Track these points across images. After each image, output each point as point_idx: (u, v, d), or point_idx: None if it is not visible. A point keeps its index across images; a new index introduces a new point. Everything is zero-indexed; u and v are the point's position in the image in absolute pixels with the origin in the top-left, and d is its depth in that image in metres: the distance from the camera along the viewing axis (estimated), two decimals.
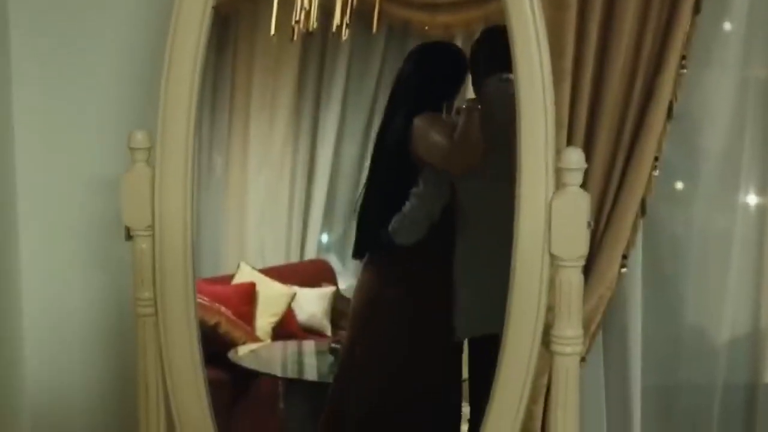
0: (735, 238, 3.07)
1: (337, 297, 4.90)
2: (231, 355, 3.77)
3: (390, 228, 2.92)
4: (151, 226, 1.96)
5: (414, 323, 2.92)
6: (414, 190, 2.87)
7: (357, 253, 3.25)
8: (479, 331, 2.61)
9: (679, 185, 3.09)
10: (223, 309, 4.12)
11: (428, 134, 2.87)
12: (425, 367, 2.90)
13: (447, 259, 2.75)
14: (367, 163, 5.24)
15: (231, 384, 3.79)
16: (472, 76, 2.80)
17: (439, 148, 2.81)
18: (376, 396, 3.01)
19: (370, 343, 3.06)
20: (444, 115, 2.89)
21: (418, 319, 2.89)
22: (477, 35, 2.84)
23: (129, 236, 2.00)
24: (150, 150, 1.96)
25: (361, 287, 3.16)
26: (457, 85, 2.93)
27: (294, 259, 5.33)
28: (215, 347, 3.69)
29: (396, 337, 2.98)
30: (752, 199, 3.10)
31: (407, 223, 2.89)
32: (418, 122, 2.87)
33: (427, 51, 3.19)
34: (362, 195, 3.27)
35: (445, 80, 3.00)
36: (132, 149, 1.97)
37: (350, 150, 5.49)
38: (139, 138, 1.96)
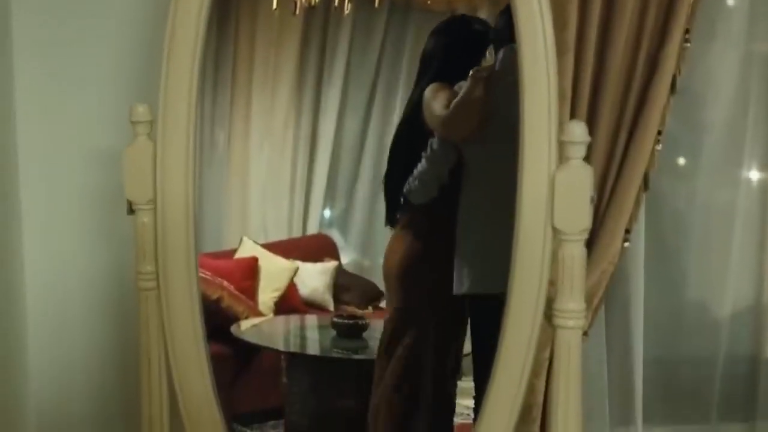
0: (737, 212, 3.07)
1: (339, 271, 4.91)
2: (233, 329, 3.79)
3: (405, 189, 3.10)
4: (153, 200, 1.96)
5: (431, 282, 3.02)
6: (424, 153, 3.04)
7: (389, 221, 3.32)
8: (481, 288, 2.73)
9: (682, 160, 3.09)
10: (225, 283, 4.13)
11: (431, 104, 3.01)
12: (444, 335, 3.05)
13: (455, 218, 2.88)
14: (370, 137, 5.26)
15: (233, 358, 3.81)
16: (494, 45, 2.91)
17: (436, 116, 2.96)
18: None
19: (403, 306, 3.18)
20: (456, 85, 2.96)
21: (435, 278, 2.98)
22: (503, 7, 2.69)
23: (131, 210, 1.99)
24: (152, 123, 1.95)
25: (390, 251, 3.27)
26: (477, 57, 3.07)
27: (296, 233, 5.34)
28: (218, 322, 3.70)
29: (419, 298, 3.10)
30: (755, 174, 3.09)
31: (418, 184, 3.06)
32: (426, 92, 3.05)
33: (448, 26, 3.32)
34: (388, 165, 3.40)
35: (466, 53, 3.14)
36: (134, 123, 1.96)
37: (352, 124, 5.49)
38: (141, 111, 1.95)
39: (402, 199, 3.17)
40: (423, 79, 3.20)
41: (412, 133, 3.22)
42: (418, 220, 3.11)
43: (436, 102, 2.97)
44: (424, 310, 3.08)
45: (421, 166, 3.06)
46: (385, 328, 3.21)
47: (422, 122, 3.04)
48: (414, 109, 3.17)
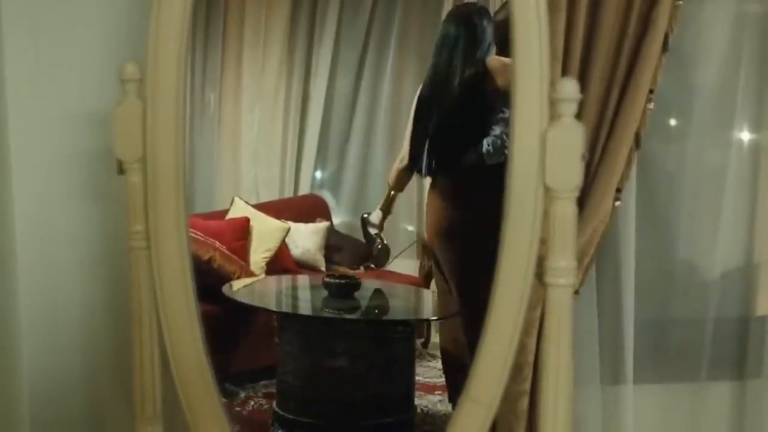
0: (728, 173, 3.07)
1: (331, 232, 4.93)
2: (225, 289, 3.80)
3: (484, 150, 3.47)
4: (143, 159, 1.95)
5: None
6: (500, 115, 3.44)
7: (430, 172, 3.63)
8: None
9: (673, 121, 3.08)
10: (217, 244, 4.14)
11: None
12: None
13: None
14: (361, 97, 5.26)
15: (225, 318, 3.82)
16: None
17: None
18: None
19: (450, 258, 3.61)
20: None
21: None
22: None
23: (122, 170, 1.98)
24: (141, 82, 1.94)
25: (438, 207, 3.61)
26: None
27: (288, 194, 5.36)
28: (210, 281, 3.72)
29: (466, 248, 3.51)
30: (746, 135, 3.09)
31: (500, 144, 3.42)
32: (495, 63, 3.52)
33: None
34: (437, 126, 3.64)
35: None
36: (123, 81, 1.94)
37: (343, 85, 5.49)
38: (131, 70, 1.94)
39: (467, 158, 3.53)
40: (458, 57, 3.60)
41: (473, 103, 3.56)
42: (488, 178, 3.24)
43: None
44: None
45: (501, 128, 3.43)
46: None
47: (487, 91, 3.47)
48: (476, 79, 3.53)
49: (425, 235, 3.75)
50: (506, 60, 3.25)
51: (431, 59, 3.78)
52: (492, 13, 3.74)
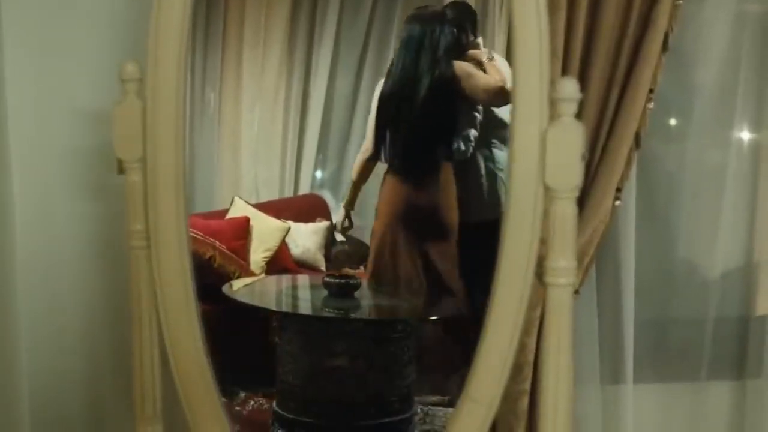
0: (728, 173, 3.08)
1: (331, 232, 4.91)
2: (225, 289, 3.79)
3: (454, 147, 3.77)
4: (143, 159, 1.95)
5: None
6: (475, 117, 3.77)
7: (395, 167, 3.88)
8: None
9: (673, 120, 3.09)
10: (217, 243, 4.13)
11: (476, 77, 3.74)
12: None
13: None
14: (362, 97, 5.26)
15: (225, 318, 3.81)
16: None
17: (492, 87, 3.66)
18: None
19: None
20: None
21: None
22: None
23: (122, 170, 1.98)
24: (141, 81, 1.94)
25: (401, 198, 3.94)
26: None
27: (288, 194, 5.35)
28: (210, 281, 3.71)
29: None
30: (746, 135, 3.10)
31: (469, 144, 3.75)
32: (463, 68, 3.79)
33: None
34: (406, 125, 3.93)
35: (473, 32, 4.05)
36: (123, 81, 1.95)
37: (344, 85, 5.48)
38: (131, 69, 1.94)
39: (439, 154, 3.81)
40: (440, 55, 3.89)
41: (444, 105, 3.85)
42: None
43: (480, 77, 3.68)
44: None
45: (473, 131, 3.74)
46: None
47: (453, 93, 3.75)
48: (445, 83, 3.79)
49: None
50: (470, 68, 3.75)
51: (394, 58, 4.09)
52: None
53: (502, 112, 3.78)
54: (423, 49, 3.97)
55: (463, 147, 3.79)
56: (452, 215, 3.81)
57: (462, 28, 4.02)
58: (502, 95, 3.61)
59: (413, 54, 3.98)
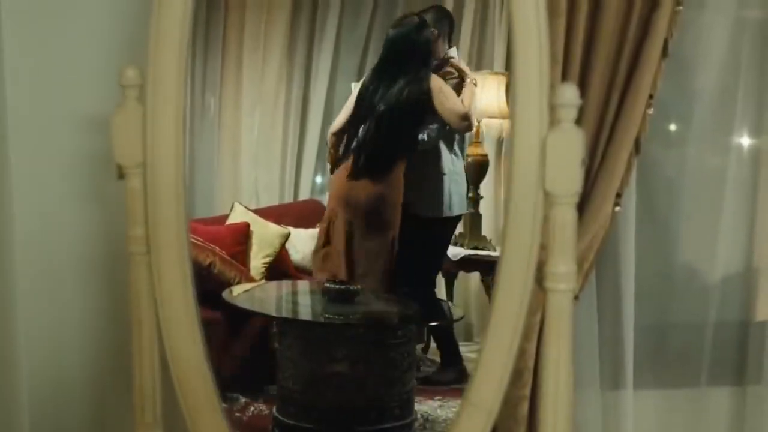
0: (728, 178, 3.07)
1: None
2: (225, 294, 3.79)
3: (419, 138, 4.26)
4: (143, 164, 1.95)
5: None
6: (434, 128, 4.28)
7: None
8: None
9: (673, 126, 3.09)
10: (217, 249, 4.14)
11: (448, 98, 4.23)
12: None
13: None
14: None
15: (226, 323, 3.82)
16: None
17: (457, 111, 4.23)
18: None
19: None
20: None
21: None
22: None
23: (121, 175, 1.98)
24: (141, 87, 1.94)
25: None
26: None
27: (288, 199, 5.36)
28: (210, 287, 3.71)
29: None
30: (746, 141, 3.10)
31: (434, 135, 4.29)
32: (439, 85, 4.23)
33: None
34: (379, 119, 4.23)
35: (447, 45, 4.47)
36: (123, 86, 1.95)
37: (343, 90, 5.48)
38: (131, 75, 1.94)
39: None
40: (414, 66, 4.20)
41: (415, 109, 4.20)
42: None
43: (450, 98, 4.19)
44: None
45: (436, 124, 4.25)
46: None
47: (423, 103, 4.17)
48: (414, 89, 4.17)
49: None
50: (444, 86, 4.19)
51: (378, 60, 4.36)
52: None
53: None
54: (400, 54, 4.20)
55: (427, 138, 4.26)
56: (395, 213, 4.19)
57: (439, 35, 4.35)
58: (464, 121, 4.23)
59: (392, 58, 4.22)
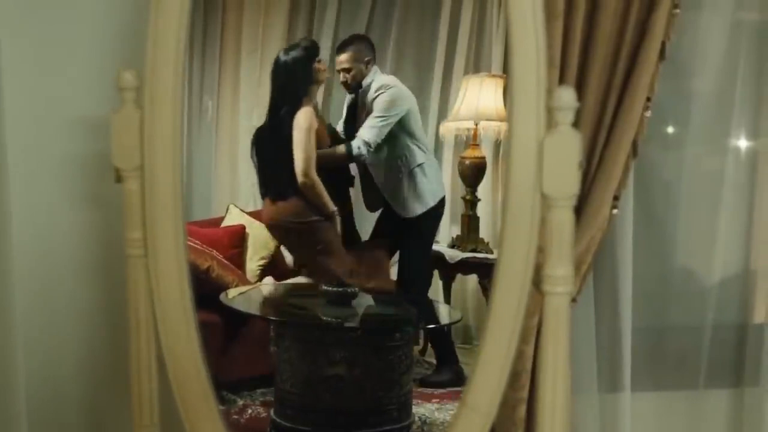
0: (726, 181, 3.08)
1: None
2: (222, 297, 3.80)
3: (353, 151, 4.44)
4: (141, 167, 1.95)
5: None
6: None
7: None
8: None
9: (671, 128, 3.09)
10: (215, 253, 4.14)
11: (309, 136, 4.28)
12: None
13: None
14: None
15: (224, 326, 3.82)
16: None
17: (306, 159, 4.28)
18: None
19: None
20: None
21: None
22: None
23: (119, 178, 1.98)
24: (139, 90, 1.94)
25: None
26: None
27: None
28: (208, 290, 3.71)
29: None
30: (743, 143, 3.10)
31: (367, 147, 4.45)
32: (309, 120, 4.32)
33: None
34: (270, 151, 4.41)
35: None
36: (121, 89, 1.95)
37: (341, 92, 5.47)
38: (128, 78, 1.94)
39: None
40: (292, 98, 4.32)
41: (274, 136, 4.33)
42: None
43: (298, 142, 4.20)
44: None
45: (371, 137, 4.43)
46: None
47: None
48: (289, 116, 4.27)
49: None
50: (303, 126, 4.20)
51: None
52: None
53: (411, 122, 4.50)
54: (282, 82, 4.37)
55: (363, 151, 4.38)
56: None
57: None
58: (303, 177, 4.20)
59: (278, 84, 4.39)
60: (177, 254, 1.97)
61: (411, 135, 4.52)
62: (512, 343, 1.90)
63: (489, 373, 1.92)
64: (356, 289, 3.63)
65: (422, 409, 3.97)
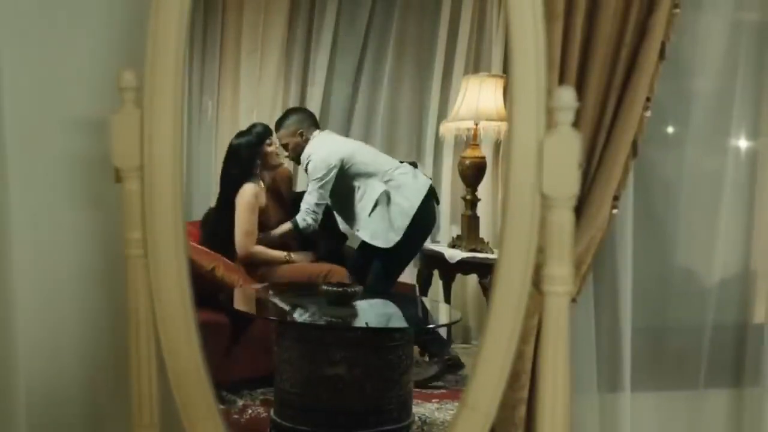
0: (726, 180, 3.07)
1: None
2: (224, 298, 3.80)
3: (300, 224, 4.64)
4: (140, 167, 1.95)
5: None
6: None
7: None
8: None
9: (671, 128, 3.09)
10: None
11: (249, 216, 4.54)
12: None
13: None
14: (359, 105, 5.28)
15: (227, 326, 3.82)
16: None
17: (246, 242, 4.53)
18: None
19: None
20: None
21: None
22: None
23: (119, 178, 1.98)
24: (139, 90, 1.94)
25: None
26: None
27: None
28: (211, 290, 3.72)
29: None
30: (743, 143, 3.10)
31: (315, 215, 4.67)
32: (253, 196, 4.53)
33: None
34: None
35: None
36: (121, 89, 1.95)
37: (340, 91, 5.48)
38: (128, 78, 1.94)
39: None
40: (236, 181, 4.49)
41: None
42: None
43: (240, 223, 4.41)
44: None
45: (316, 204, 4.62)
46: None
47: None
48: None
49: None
50: (242, 198, 4.38)
51: None
52: None
53: (353, 167, 4.60)
54: (230, 165, 4.54)
55: (309, 221, 4.57)
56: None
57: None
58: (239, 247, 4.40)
59: (227, 167, 4.56)
60: (177, 254, 1.98)
61: (359, 175, 4.64)
62: (512, 343, 1.90)
63: (489, 373, 1.93)
64: (357, 289, 3.63)
65: (422, 409, 3.97)
